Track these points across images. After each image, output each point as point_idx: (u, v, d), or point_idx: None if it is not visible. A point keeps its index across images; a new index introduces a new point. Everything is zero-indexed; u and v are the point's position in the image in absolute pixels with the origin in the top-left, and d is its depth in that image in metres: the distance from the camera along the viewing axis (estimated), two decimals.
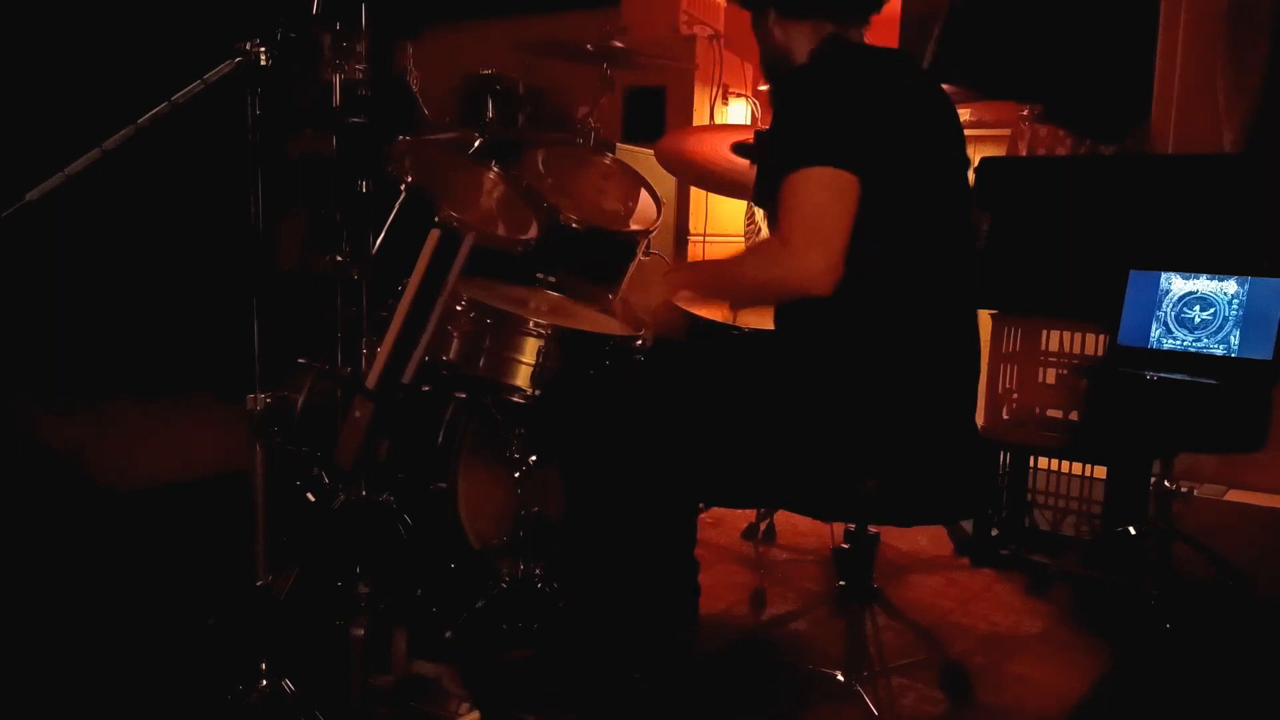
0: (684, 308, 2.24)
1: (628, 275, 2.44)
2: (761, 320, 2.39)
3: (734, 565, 2.77)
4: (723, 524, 3.00)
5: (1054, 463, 3.00)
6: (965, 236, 1.77)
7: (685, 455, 1.74)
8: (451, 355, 2.04)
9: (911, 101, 1.72)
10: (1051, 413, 2.89)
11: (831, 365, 1.69)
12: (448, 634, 2.03)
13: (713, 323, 2.32)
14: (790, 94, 1.73)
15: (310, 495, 2.18)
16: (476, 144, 2.55)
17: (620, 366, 2.14)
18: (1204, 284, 2.49)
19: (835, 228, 1.58)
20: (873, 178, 1.61)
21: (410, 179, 2.16)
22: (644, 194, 2.69)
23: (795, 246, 1.59)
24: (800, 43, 1.80)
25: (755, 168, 2.54)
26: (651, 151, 2.71)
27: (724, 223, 3.92)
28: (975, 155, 2.28)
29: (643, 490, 1.85)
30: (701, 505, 2.43)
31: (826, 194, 1.59)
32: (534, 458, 2.18)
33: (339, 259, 1.92)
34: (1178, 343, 2.51)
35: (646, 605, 2.02)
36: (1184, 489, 2.50)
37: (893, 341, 1.69)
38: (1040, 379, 2.94)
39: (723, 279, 1.84)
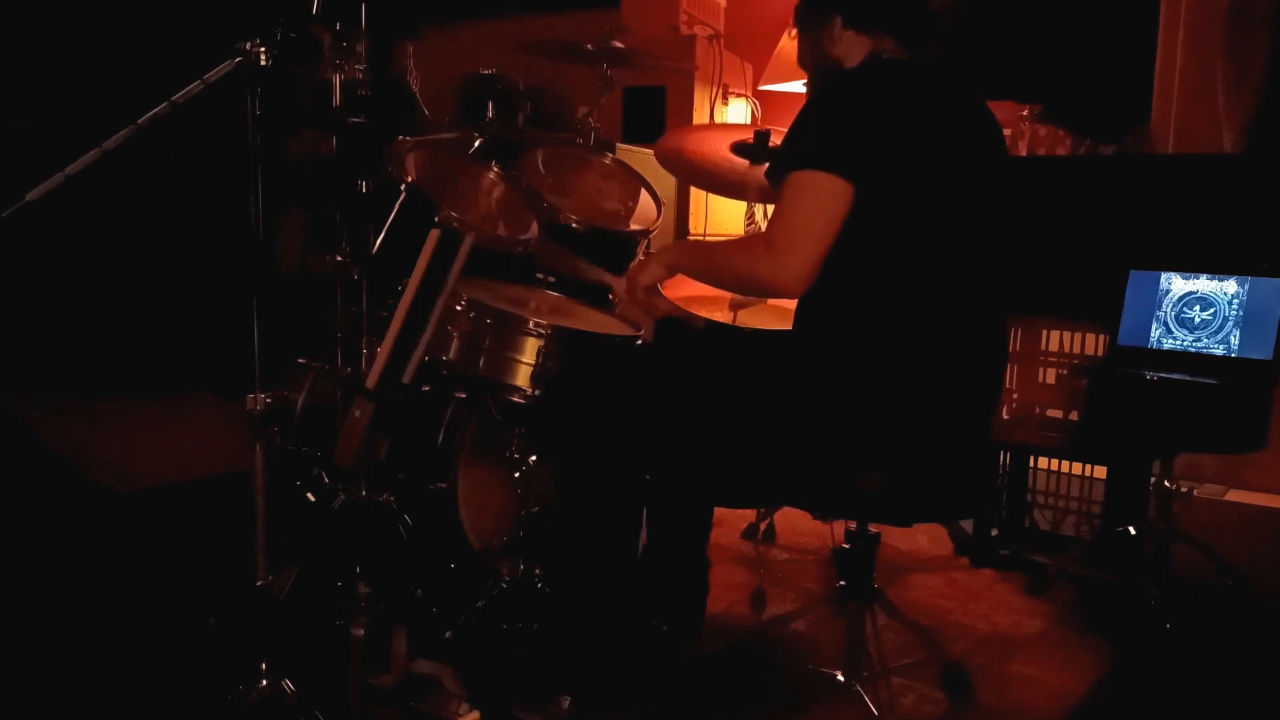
0: (683, 308, 2.24)
1: None
2: (762, 320, 2.39)
3: (734, 565, 2.77)
4: (723, 524, 3.00)
5: (1054, 463, 3.00)
6: (989, 245, 1.77)
7: (691, 455, 1.75)
8: (451, 355, 2.04)
9: (938, 117, 1.73)
10: (1051, 413, 2.89)
11: (840, 362, 1.70)
12: (448, 634, 2.03)
13: (714, 323, 2.32)
14: (815, 96, 1.74)
15: (310, 495, 2.18)
16: (476, 144, 2.55)
17: (621, 365, 2.14)
18: (1204, 284, 2.49)
19: (817, 237, 1.62)
20: (879, 185, 1.63)
21: (410, 179, 2.16)
22: (644, 194, 2.69)
23: (777, 249, 1.64)
24: (854, 55, 1.81)
25: (755, 167, 2.54)
26: (651, 151, 2.71)
27: (724, 223, 3.92)
28: None
29: (647, 489, 1.85)
30: None
31: (816, 201, 1.63)
32: (534, 458, 2.18)
33: (339, 259, 1.92)
34: (1178, 343, 2.51)
35: (649, 606, 2.03)
36: (1184, 489, 2.50)
37: (902, 341, 1.69)
38: (1040, 379, 2.94)
39: (710, 265, 1.86)
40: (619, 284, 1.97)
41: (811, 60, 1.90)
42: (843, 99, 1.69)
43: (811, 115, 1.68)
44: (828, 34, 1.83)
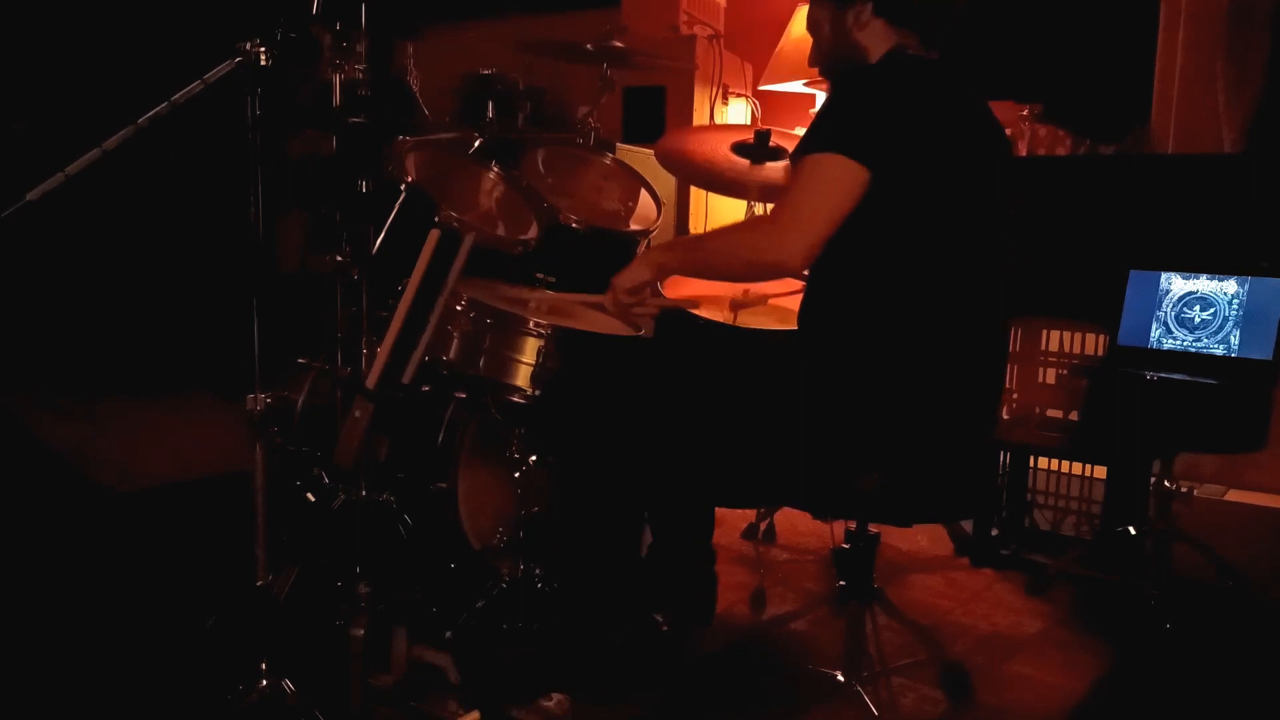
0: (684, 308, 2.24)
1: None
2: (762, 321, 2.39)
3: (734, 565, 2.77)
4: (723, 524, 2.98)
5: (1054, 463, 3.00)
6: (992, 248, 1.77)
7: (691, 455, 1.75)
8: (451, 355, 2.04)
9: (954, 118, 1.74)
10: (1051, 413, 2.89)
11: (841, 362, 1.70)
12: (448, 634, 2.03)
13: (715, 323, 2.32)
14: (840, 90, 1.74)
15: (310, 495, 2.18)
16: (476, 144, 2.55)
17: (622, 365, 2.14)
18: (1204, 284, 2.49)
19: (823, 214, 1.62)
20: (894, 178, 1.63)
21: (410, 179, 2.16)
22: (644, 194, 2.69)
23: (781, 224, 1.64)
24: (877, 45, 1.80)
25: (756, 168, 2.54)
26: (651, 151, 2.71)
27: (724, 223, 3.92)
28: None
29: (648, 489, 1.85)
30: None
31: (827, 180, 1.63)
32: (534, 458, 2.18)
33: (339, 259, 1.92)
34: (1178, 343, 2.51)
35: (655, 603, 2.03)
36: (1184, 489, 2.50)
37: (903, 341, 1.70)
38: (1040, 379, 2.94)
39: (703, 253, 1.83)
40: (606, 298, 1.92)
41: (829, 35, 1.85)
42: (867, 92, 1.69)
43: (835, 107, 1.69)
44: (854, 14, 1.80)
